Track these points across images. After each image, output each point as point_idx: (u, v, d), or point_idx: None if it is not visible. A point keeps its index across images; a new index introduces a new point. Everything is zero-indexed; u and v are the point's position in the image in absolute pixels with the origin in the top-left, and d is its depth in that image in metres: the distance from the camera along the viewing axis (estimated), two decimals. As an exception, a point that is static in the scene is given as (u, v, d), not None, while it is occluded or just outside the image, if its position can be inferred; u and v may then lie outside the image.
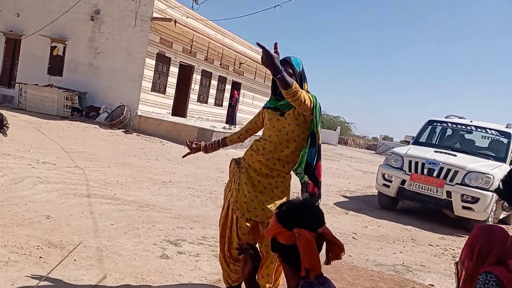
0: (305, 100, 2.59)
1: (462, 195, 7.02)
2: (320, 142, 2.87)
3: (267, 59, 2.35)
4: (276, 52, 2.37)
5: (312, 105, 2.67)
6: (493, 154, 8.07)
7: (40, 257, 3.19)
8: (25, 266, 2.99)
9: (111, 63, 14.89)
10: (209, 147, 3.20)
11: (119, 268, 3.26)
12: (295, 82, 2.49)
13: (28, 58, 16.15)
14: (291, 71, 2.74)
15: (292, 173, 2.92)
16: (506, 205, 1.56)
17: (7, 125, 1.39)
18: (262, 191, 2.80)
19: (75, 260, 3.24)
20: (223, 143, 3.18)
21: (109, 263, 3.31)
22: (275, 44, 2.38)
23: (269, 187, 2.82)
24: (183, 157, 3.26)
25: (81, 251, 3.44)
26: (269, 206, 2.75)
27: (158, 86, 15.67)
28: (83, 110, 14.57)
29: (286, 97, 2.51)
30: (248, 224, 2.79)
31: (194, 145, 3.22)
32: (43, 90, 14.41)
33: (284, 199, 2.81)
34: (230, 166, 3.04)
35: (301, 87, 2.71)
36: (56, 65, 15.77)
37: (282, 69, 2.40)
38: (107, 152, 9.07)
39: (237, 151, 13.79)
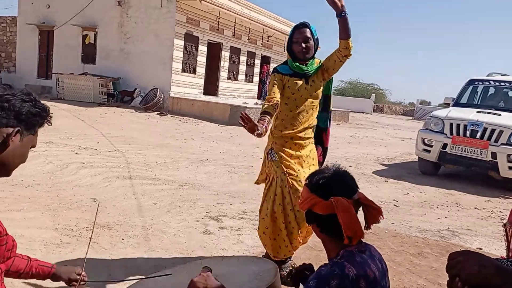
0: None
1: (509, 155, 6.73)
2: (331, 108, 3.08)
3: None
4: None
5: None
6: (541, 111, 7.65)
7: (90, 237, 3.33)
8: (76, 247, 3.13)
9: (141, 47, 15.05)
10: (265, 131, 2.48)
11: (165, 245, 3.36)
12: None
13: (61, 48, 16.56)
14: (310, 36, 2.75)
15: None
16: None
17: (50, 114, 1.41)
18: (303, 165, 2.83)
19: (122, 239, 3.36)
20: (271, 116, 2.61)
21: (155, 241, 3.41)
22: None
23: (306, 158, 2.87)
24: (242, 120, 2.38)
25: (128, 230, 3.56)
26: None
27: (188, 66, 15.74)
28: (118, 95, 14.89)
29: (343, 46, 2.63)
30: None
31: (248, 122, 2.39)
32: (79, 78, 14.80)
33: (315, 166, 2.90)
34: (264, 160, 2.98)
35: (315, 53, 2.83)
36: (89, 53, 16.11)
37: (346, 11, 2.52)
38: (144, 134, 9.27)
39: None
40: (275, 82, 2.76)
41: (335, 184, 1.46)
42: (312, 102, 2.81)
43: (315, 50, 2.81)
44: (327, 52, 2.92)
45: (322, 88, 2.86)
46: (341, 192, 1.43)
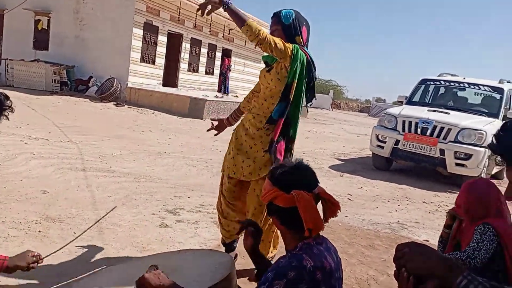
0: (276, 44, 2.51)
1: (455, 152, 7.10)
2: (300, 102, 2.77)
3: None
4: None
5: (290, 53, 2.56)
6: (486, 110, 8.11)
7: (40, 231, 3.21)
8: (25, 241, 3.01)
9: (97, 34, 14.52)
10: (232, 119, 3.16)
11: (119, 238, 3.29)
12: (250, 20, 2.47)
13: (12, 33, 15.69)
14: (274, 25, 2.69)
15: None
16: (500, 159, 1.57)
17: (12, 106, 1.31)
18: (247, 151, 2.78)
19: (74, 233, 3.25)
20: (240, 111, 3.13)
21: (109, 234, 3.34)
22: None
23: (254, 147, 2.76)
24: (208, 130, 3.21)
25: (80, 223, 3.46)
26: (248, 165, 2.75)
27: (147, 57, 15.38)
28: (72, 84, 14.33)
29: (248, 37, 2.49)
30: (229, 181, 2.88)
31: (216, 123, 3.17)
32: (30, 65, 14.10)
33: (265, 161, 2.71)
34: None
35: (292, 40, 2.64)
36: (41, 39, 15.36)
37: (230, 1, 2.44)
38: (100, 125, 9.00)
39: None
40: None
41: (296, 178, 1.50)
42: (270, 90, 2.72)
43: (290, 35, 2.65)
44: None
45: (277, 77, 2.66)
46: (302, 186, 1.47)
